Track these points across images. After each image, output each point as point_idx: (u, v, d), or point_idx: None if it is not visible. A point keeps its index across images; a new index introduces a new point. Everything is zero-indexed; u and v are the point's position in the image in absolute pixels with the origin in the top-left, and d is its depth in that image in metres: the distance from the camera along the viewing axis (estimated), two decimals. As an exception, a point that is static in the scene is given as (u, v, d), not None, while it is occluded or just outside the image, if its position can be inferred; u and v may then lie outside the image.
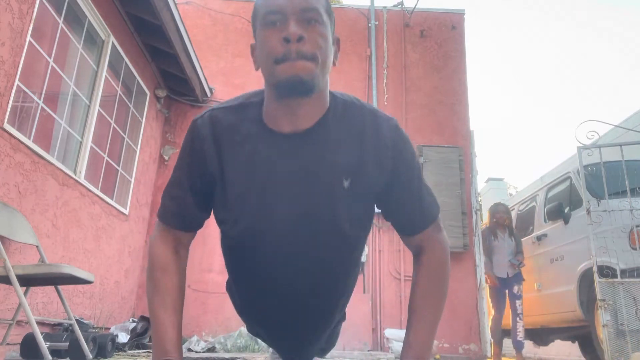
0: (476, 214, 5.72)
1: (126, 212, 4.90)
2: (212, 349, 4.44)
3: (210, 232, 2.02)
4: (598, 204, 4.17)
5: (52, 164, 3.45)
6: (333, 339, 1.46)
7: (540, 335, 5.93)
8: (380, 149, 1.11)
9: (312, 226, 1.10)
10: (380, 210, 1.21)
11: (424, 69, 6.46)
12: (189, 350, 4.36)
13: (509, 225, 5.29)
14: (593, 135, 4.27)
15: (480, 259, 5.50)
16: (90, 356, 2.86)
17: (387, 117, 1.15)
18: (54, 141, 3.73)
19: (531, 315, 5.46)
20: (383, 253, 5.61)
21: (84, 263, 3.98)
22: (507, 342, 6.93)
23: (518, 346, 4.83)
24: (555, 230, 5.18)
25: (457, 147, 5.97)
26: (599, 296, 3.90)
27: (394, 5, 6.83)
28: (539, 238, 5.51)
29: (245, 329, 1.71)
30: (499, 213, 5.29)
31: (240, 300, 1.32)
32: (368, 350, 4.93)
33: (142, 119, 5.28)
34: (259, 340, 4.14)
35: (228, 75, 6.23)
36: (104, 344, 3.18)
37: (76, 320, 3.03)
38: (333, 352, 4.04)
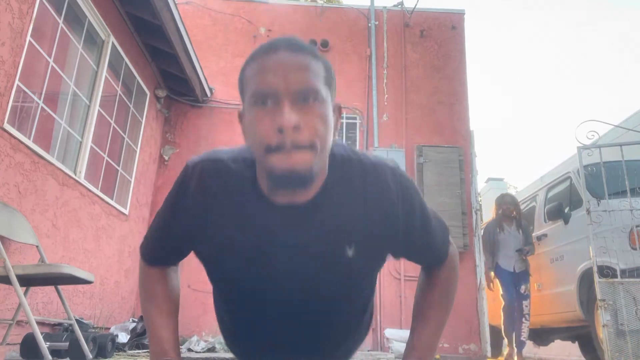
0: (476, 214, 5.72)
1: (126, 212, 4.90)
2: (212, 349, 4.43)
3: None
4: (598, 204, 4.16)
5: (52, 164, 3.45)
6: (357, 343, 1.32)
7: (540, 335, 5.93)
8: (387, 206, 1.01)
9: (312, 298, 1.06)
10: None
11: (424, 69, 6.46)
12: (189, 350, 4.36)
13: (516, 217, 5.08)
14: (593, 135, 4.27)
15: (480, 259, 5.50)
16: (90, 356, 2.86)
17: (389, 167, 1.04)
18: (54, 141, 3.73)
19: (531, 315, 5.45)
20: (383, 253, 5.60)
21: (84, 263, 3.98)
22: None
23: (519, 346, 4.82)
24: (555, 230, 5.18)
25: (457, 147, 5.97)
26: (599, 296, 3.90)
27: (394, 5, 6.83)
28: (539, 238, 5.51)
29: None
30: (506, 204, 5.11)
31: (234, 338, 1.25)
32: (368, 350, 4.93)
33: (142, 119, 5.28)
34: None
35: (228, 75, 6.23)
36: (104, 344, 3.18)
37: (76, 320, 3.03)
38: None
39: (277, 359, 1.17)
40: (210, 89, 6.07)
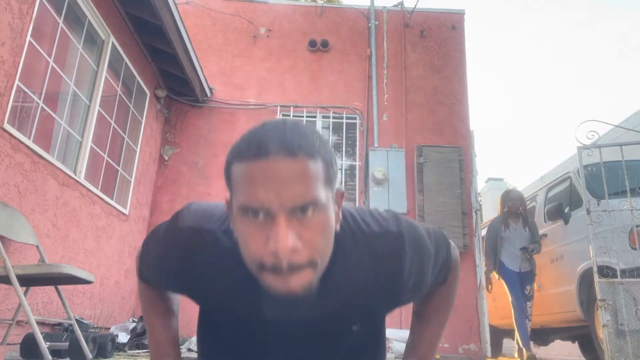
0: (476, 214, 5.72)
1: (126, 212, 4.90)
2: (212, 349, 4.42)
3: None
4: (598, 204, 4.16)
5: (52, 164, 3.45)
6: None
7: (540, 335, 5.92)
8: (396, 279, 0.94)
9: None
10: None
11: (424, 69, 6.46)
12: (189, 350, 4.35)
13: (522, 214, 4.95)
14: (593, 135, 4.26)
15: (480, 259, 5.50)
16: (90, 356, 2.86)
17: (393, 235, 0.94)
18: (54, 141, 3.73)
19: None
20: (383, 253, 5.59)
21: (84, 263, 3.98)
22: (507, 342, 6.95)
23: (525, 346, 4.77)
24: (555, 230, 5.18)
25: (457, 147, 5.97)
26: (599, 296, 3.89)
27: (394, 5, 6.83)
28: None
29: None
30: (512, 200, 4.95)
31: None
32: (368, 350, 4.92)
33: (142, 119, 5.28)
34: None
35: (228, 75, 6.23)
36: (104, 344, 3.18)
37: (76, 320, 3.03)
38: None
39: None
40: (210, 89, 6.07)
